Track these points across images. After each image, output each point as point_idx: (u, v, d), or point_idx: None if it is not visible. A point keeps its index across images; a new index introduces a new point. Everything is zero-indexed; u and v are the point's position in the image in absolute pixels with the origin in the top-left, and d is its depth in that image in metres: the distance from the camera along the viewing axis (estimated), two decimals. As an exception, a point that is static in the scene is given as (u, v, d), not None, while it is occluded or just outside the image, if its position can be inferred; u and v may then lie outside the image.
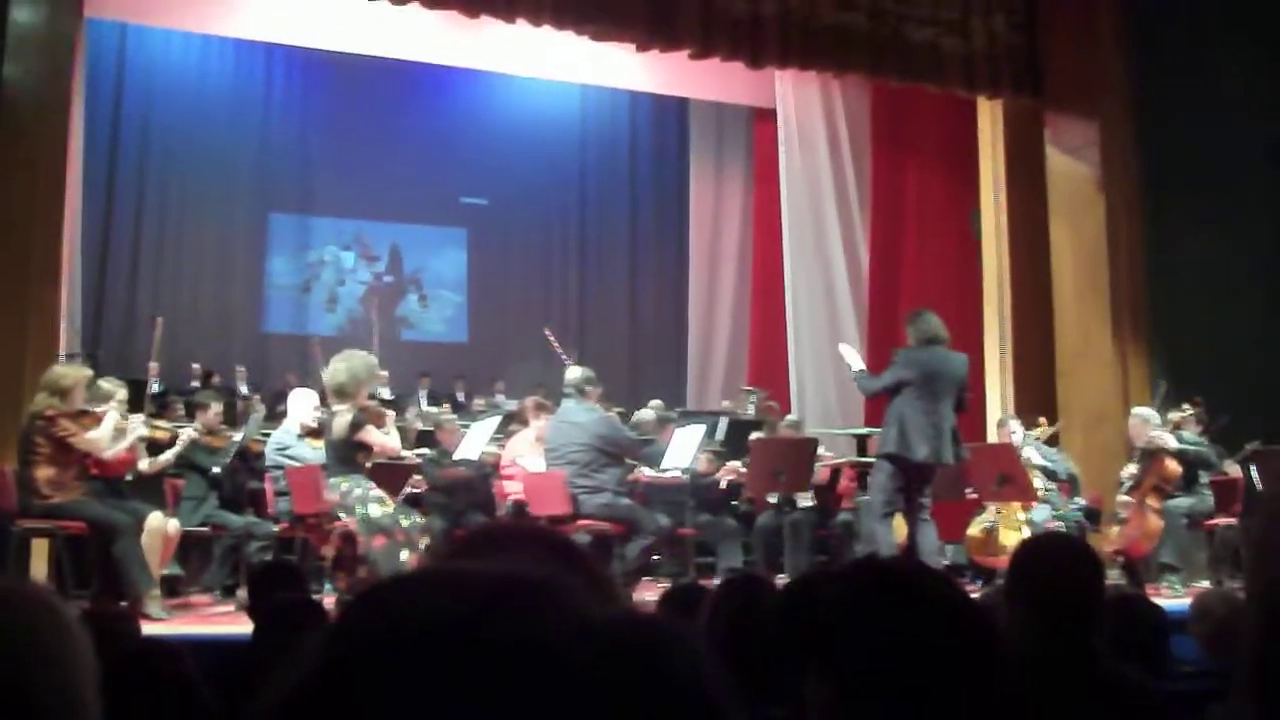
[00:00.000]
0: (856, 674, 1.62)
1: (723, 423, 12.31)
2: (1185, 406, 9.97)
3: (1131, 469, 9.84)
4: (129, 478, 8.60)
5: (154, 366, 11.43)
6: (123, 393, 8.29)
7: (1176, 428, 9.86)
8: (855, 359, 9.15)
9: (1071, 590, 2.92)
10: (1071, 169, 11.63)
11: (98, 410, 7.91)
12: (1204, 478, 9.80)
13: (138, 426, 8.38)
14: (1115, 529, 9.71)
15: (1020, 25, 11.78)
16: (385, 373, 13.37)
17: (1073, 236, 11.55)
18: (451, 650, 0.67)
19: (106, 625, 3.26)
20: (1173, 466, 9.59)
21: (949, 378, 8.63)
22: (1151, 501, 9.57)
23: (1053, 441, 10.62)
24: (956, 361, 8.75)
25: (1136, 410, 9.95)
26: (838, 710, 1.62)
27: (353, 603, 0.74)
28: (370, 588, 0.75)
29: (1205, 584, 8.95)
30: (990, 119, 12.29)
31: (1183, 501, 9.62)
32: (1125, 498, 9.67)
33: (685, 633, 0.73)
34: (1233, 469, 10.02)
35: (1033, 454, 9.96)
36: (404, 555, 7.44)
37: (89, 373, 8.20)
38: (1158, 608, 4.15)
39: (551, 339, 10.67)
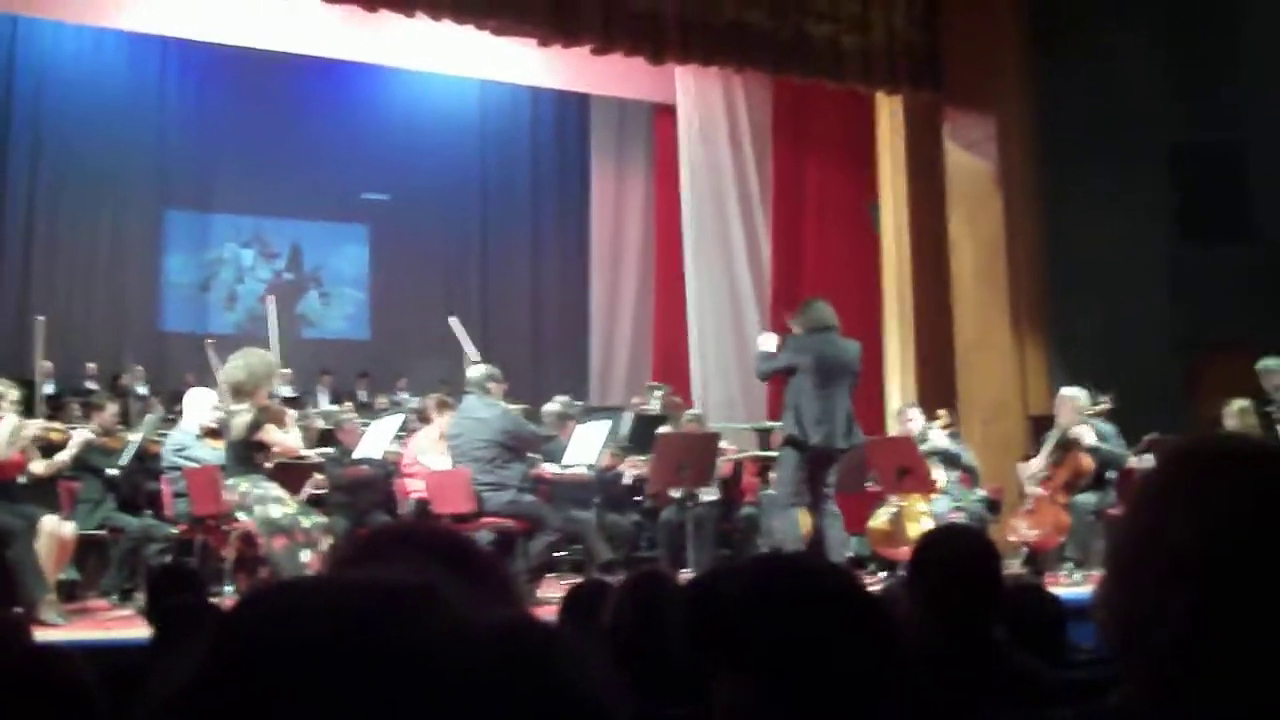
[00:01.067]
0: (759, 670, 1.62)
1: (627, 418, 12.32)
2: (1101, 400, 10.05)
3: (1039, 462, 9.86)
4: (22, 480, 8.41)
5: (45, 366, 11.20)
6: (14, 394, 8.11)
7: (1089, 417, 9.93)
8: (769, 343, 9.18)
9: (970, 582, 2.96)
10: (969, 163, 11.77)
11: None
12: (1111, 473, 9.90)
13: (31, 428, 8.23)
14: (1020, 520, 9.77)
15: (920, 21, 11.90)
16: (288, 370, 13.24)
17: (971, 230, 11.70)
18: (328, 660, 0.66)
19: (-3, 632, 3.18)
20: (1087, 463, 9.65)
21: (841, 363, 8.71)
22: (1060, 496, 9.66)
23: (951, 432, 10.71)
24: (849, 347, 8.83)
25: (1064, 391, 9.99)
26: (741, 706, 1.62)
27: (231, 612, 0.73)
28: (248, 596, 0.74)
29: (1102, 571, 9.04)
30: (889, 114, 12.41)
31: (1090, 497, 9.71)
32: (1035, 489, 9.74)
33: (571, 637, 0.72)
34: (1134, 461, 10.14)
35: (935, 443, 10.06)
36: (305, 556, 7.36)
37: (-14, 377, 8.02)
38: (1054, 597, 4.21)
39: (456, 329, 10.52)
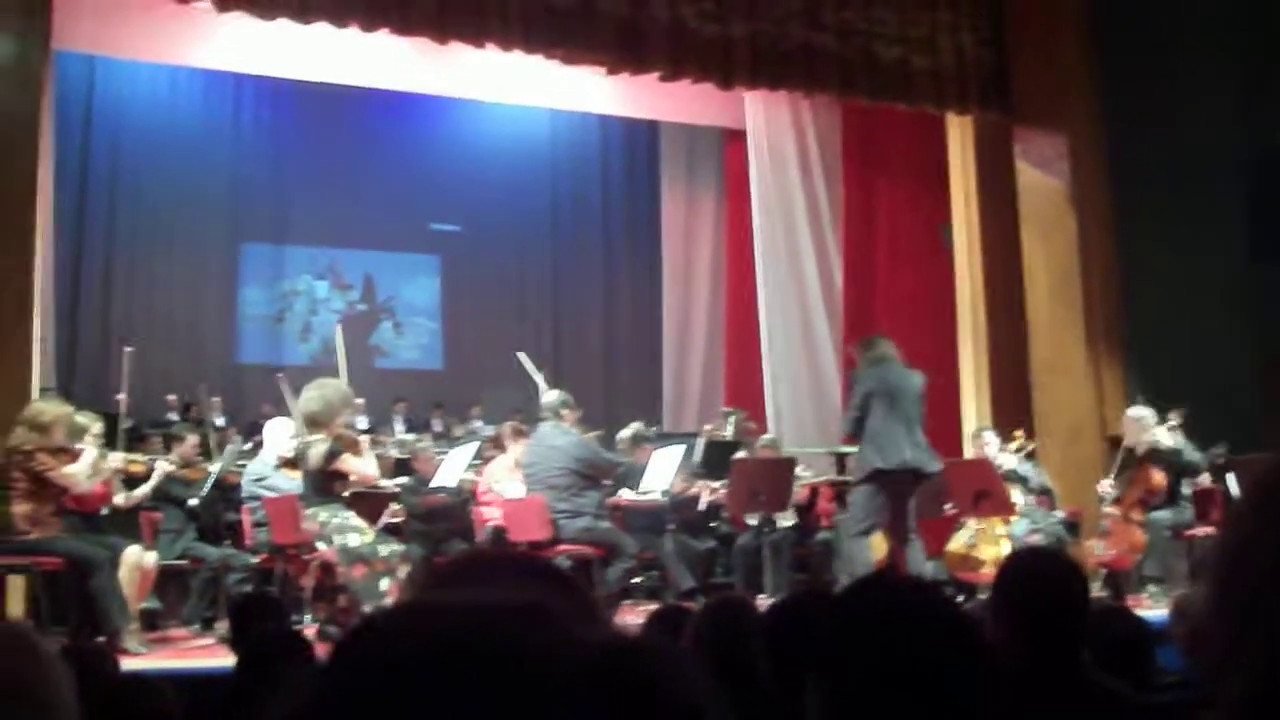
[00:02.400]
0: (855, 688, 1.61)
1: (700, 443, 12.31)
2: (1171, 416, 9.96)
3: (1108, 484, 9.82)
4: (105, 512, 8.54)
5: (124, 400, 11.35)
6: (97, 426, 8.23)
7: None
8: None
9: (1057, 603, 2.92)
10: (1042, 183, 11.68)
11: (76, 447, 7.86)
12: (1185, 488, 9.79)
13: (114, 460, 8.35)
14: (1097, 542, 9.70)
15: (988, 41, 11.83)
16: (361, 400, 13.32)
17: (1045, 250, 11.59)
18: (444, 680, 0.66)
19: (86, 661, 3.22)
20: (1158, 478, 9.58)
21: (909, 391, 8.76)
22: (1135, 515, 9.57)
23: (1028, 455, 10.61)
24: (914, 377, 8.90)
25: (1131, 410, 9.93)
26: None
27: (346, 636, 0.73)
28: (362, 621, 0.75)
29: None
30: (960, 135, 12.33)
31: (1165, 514, 9.61)
32: (1110, 509, 9.67)
33: (676, 653, 0.72)
34: (1208, 478, 10.01)
35: (1008, 466, 9.97)
36: (384, 584, 7.41)
37: (69, 409, 8.14)
38: (1141, 620, 4.15)
39: (525, 362, 10.58)
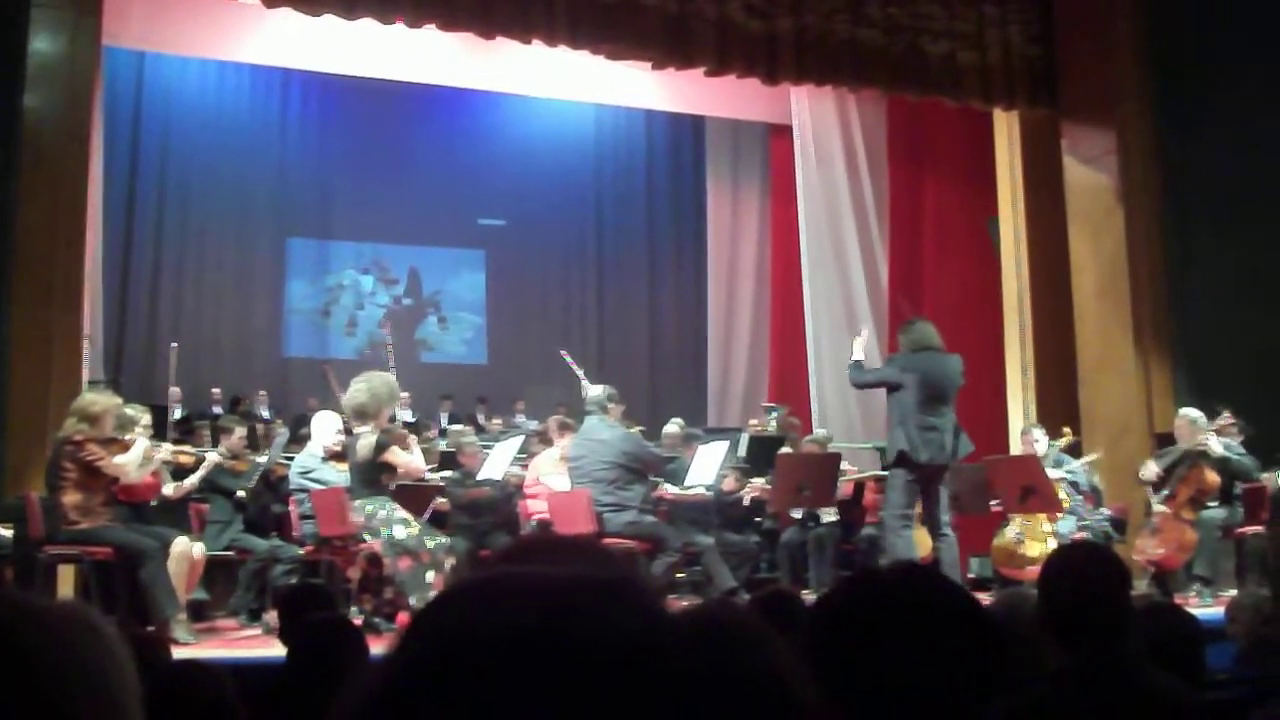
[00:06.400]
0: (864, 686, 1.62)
1: (744, 439, 12.29)
2: (1226, 414, 9.85)
3: (1153, 466, 9.71)
4: (154, 503, 8.61)
5: (174, 392, 11.47)
6: (146, 418, 8.30)
7: (1218, 434, 9.71)
8: (859, 349, 9.09)
9: (1102, 598, 2.91)
10: (1090, 178, 11.60)
11: (126, 438, 7.92)
12: (1238, 489, 9.69)
13: (162, 452, 8.42)
14: (1147, 540, 9.58)
15: (1036, 37, 11.77)
16: (405, 394, 13.38)
17: (1092, 246, 11.51)
18: (528, 653, 0.66)
19: (140, 647, 3.25)
20: (1212, 478, 9.48)
21: (947, 380, 8.60)
22: (1186, 513, 9.47)
23: (1074, 452, 10.54)
24: (952, 364, 8.70)
25: (1184, 411, 9.83)
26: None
27: (424, 609, 0.73)
28: (441, 594, 0.75)
29: (1233, 593, 8.83)
30: (1007, 130, 12.27)
31: (1218, 513, 9.51)
32: (1160, 507, 9.57)
33: (762, 626, 0.73)
34: (1265, 477, 9.90)
35: (1059, 464, 9.90)
36: (429, 576, 7.45)
37: (119, 401, 8.21)
38: (1191, 616, 4.12)
39: (567, 358, 10.63)
